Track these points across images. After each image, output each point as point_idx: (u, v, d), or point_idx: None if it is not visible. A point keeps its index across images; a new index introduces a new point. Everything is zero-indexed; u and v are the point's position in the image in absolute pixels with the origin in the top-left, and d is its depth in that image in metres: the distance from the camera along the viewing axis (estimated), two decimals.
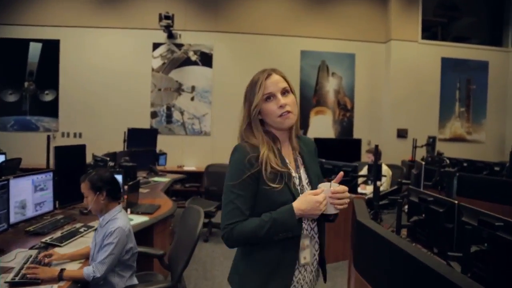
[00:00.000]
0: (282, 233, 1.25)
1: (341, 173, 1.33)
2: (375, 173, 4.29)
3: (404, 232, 2.46)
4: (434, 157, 6.22)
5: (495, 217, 1.64)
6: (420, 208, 2.25)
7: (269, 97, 1.34)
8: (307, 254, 1.35)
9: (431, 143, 6.32)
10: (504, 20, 8.51)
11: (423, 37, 7.90)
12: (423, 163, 2.69)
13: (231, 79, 7.18)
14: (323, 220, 1.41)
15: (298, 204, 1.25)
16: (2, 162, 4.79)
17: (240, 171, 1.30)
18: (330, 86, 7.72)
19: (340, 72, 7.74)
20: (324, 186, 1.29)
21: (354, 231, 2.47)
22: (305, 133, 7.43)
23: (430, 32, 8.18)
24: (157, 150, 6.27)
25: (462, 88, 8.11)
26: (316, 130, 7.55)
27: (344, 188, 1.28)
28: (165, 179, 5.19)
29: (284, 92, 1.35)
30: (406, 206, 2.83)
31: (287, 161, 1.39)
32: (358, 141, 7.15)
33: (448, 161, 3.62)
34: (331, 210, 1.29)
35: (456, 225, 1.93)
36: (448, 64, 7.98)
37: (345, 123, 7.79)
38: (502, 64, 8.32)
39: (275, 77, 1.36)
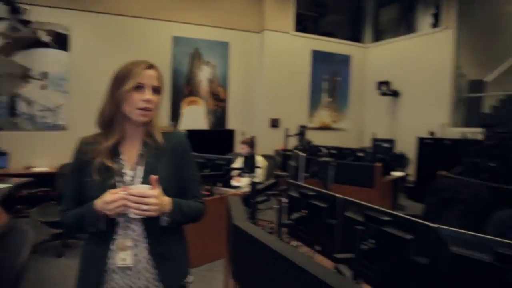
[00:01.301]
0: (88, 227, 1.28)
1: (153, 177, 1.26)
2: (249, 168, 4.12)
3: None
4: (305, 146, 6.39)
5: (380, 210, 1.52)
6: (301, 203, 2.06)
7: (140, 87, 1.33)
8: (127, 256, 1.30)
9: (302, 132, 6.46)
10: (362, 19, 9.29)
11: (295, 30, 8.11)
12: (304, 154, 2.54)
13: (93, 65, 6.29)
14: (158, 224, 1.33)
15: (98, 201, 1.25)
16: None
17: (73, 162, 1.39)
18: (204, 75, 7.37)
19: (214, 61, 7.45)
20: (134, 188, 1.24)
21: (229, 236, 2.17)
22: (176, 125, 6.98)
23: (302, 25, 8.44)
24: None
25: (329, 80, 8.60)
26: (189, 121, 7.14)
27: (142, 192, 1.23)
28: (2, 185, 4.21)
29: (155, 90, 1.36)
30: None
31: (123, 157, 1.37)
32: (232, 132, 6.99)
33: (326, 151, 3.61)
34: (131, 215, 1.25)
35: (341, 222, 1.78)
36: (317, 57, 8.37)
37: (219, 114, 7.55)
38: (361, 59, 9.07)
39: (153, 72, 1.36)
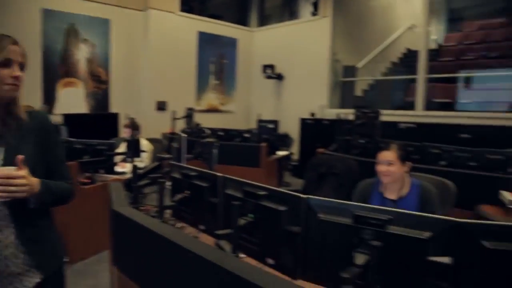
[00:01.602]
0: None
1: (20, 157, 1.19)
2: (133, 152, 3.95)
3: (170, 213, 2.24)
4: (193, 128, 6.35)
5: (258, 186, 1.58)
6: (184, 185, 2.05)
7: (7, 63, 1.26)
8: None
9: (189, 114, 6.40)
10: (248, 3, 9.45)
11: (181, 10, 7.89)
12: (185, 135, 2.51)
13: None
14: (25, 207, 1.26)
15: None
16: None
17: None
18: (81, 54, 6.75)
19: (93, 39, 6.85)
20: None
21: (111, 223, 2.07)
22: (51, 109, 6.32)
23: (188, 6, 8.24)
24: None
25: (216, 62, 8.61)
26: (66, 105, 6.50)
27: (7, 173, 1.16)
28: None
29: (21, 67, 1.31)
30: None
31: None
32: (115, 116, 6.61)
33: (209, 132, 3.61)
34: None
35: (222, 199, 1.81)
36: (204, 39, 8.29)
37: (100, 97, 7.03)
38: (248, 42, 9.27)
39: (17, 48, 1.30)
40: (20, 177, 1.17)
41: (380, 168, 2.15)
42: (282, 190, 1.52)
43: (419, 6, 7.01)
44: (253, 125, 8.33)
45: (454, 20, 10.24)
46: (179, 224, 2.21)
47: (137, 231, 1.90)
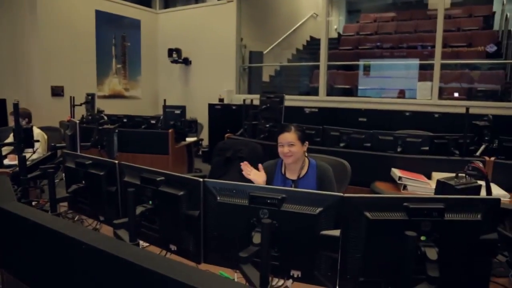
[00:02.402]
0: None
1: None
2: (24, 142, 3.57)
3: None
4: (94, 116, 5.96)
5: (156, 172, 1.54)
6: (79, 174, 1.91)
7: None
8: None
9: (90, 100, 5.99)
10: None
11: None
12: (77, 121, 2.33)
13: None
14: None
15: None
16: None
17: None
18: None
19: None
20: None
21: None
22: None
23: None
24: None
25: (118, 45, 8.12)
26: None
27: None
28: None
29: None
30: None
31: None
32: (3, 102, 5.94)
33: (106, 118, 3.41)
34: None
35: (119, 188, 1.73)
36: (103, 18, 7.71)
37: None
38: (152, 25, 8.88)
39: None
40: None
41: (283, 149, 2.22)
42: (180, 175, 1.50)
43: None
44: (160, 111, 8.09)
45: (352, 11, 10.98)
46: (77, 216, 2.07)
47: (26, 228, 1.74)
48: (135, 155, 4.59)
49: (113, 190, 1.77)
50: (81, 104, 5.98)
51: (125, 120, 5.29)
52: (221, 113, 7.05)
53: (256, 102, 4.57)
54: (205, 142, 7.21)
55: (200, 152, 7.06)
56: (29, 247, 1.76)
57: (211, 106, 7.18)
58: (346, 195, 1.25)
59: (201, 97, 7.85)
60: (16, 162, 3.75)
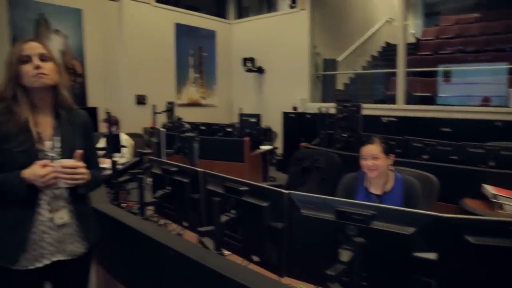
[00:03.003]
0: (11, 195, 1.38)
1: (79, 151, 1.44)
2: (113, 148, 3.83)
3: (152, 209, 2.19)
4: (174, 123, 6.25)
5: (239, 181, 1.55)
6: (164, 180, 2.00)
7: (26, 60, 1.43)
8: (64, 214, 1.48)
9: (170, 108, 6.31)
10: None
11: (157, 1, 7.74)
12: (164, 130, 2.45)
13: None
14: (74, 189, 1.49)
15: (27, 172, 1.36)
16: None
17: None
18: (54, 46, 6.49)
19: (65, 30, 6.62)
20: (61, 162, 1.40)
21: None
22: None
23: None
24: None
25: (195, 55, 8.50)
26: None
27: (74, 164, 1.42)
28: None
29: (42, 58, 1.45)
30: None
31: (40, 128, 1.47)
32: (94, 110, 6.44)
33: (188, 126, 3.55)
34: (61, 184, 1.41)
35: (204, 195, 1.77)
36: (181, 31, 8.14)
37: (77, 90, 6.81)
38: (227, 35, 9.15)
39: (34, 43, 1.47)
40: (82, 168, 1.44)
41: (366, 163, 2.13)
42: (264, 185, 1.49)
43: (396, 0, 7.05)
44: (235, 119, 8.27)
45: (430, 14, 10.40)
46: (162, 221, 2.16)
47: (119, 229, 1.85)
48: (212, 161, 4.71)
49: (197, 197, 1.82)
50: (162, 112, 6.32)
51: (202, 127, 5.47)
52: (295, 122, 7.02)
53: (332, 110, 4.48)
54: (279, 151, 7.22)
55: (275, 161, 7.08)
56: (121, 247, 1.87)
57: (285, 115, 7.18)
58: (443, 215, 1.15)
59: (275, 105, 7.91)
60: (105, 166, 4.06)
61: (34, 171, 1.36)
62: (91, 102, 6.92)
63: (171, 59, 8.05)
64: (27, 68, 1.43)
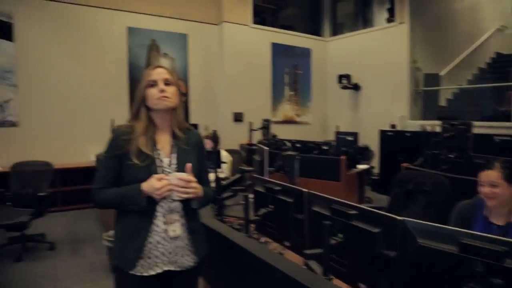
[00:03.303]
0: (131, 205, 1.51)
1: (189, 165, 1.53)
2: (215, 163, 4.02)
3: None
4: (270, 140, 6.37)
5: (347, 204, 1.50)
6: (267, 198, 2.03)
7: (153, 84, 1.59)
8: (177, 227, 1.57)
9: (266, 126, 6.45)
10: (323, 13, 9.37)
11: (254, 22, 8.05)
12: (267, 148, 2.50)
13: (42, 57, 5.95)
14: (187, 204, 1.58)
15: (145, 185, 1.49)
16: None
17: (110, 148, 1.57)
18: None
19: (172, 53, 7.26)
20: (176, 174, 1.50)
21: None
22: None
23: (260, 18, 8.40)
24: None
25: (290, 73, 8.63)
26: None
27: (187, 177, 1.50)
28: None
29: (167, 83, 1.60)
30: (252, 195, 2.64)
31: (159, 146, 1.61)
32: (195, 127, 6.85)
33: (289, 145, 3.58)
34: (174, 197, 1.51)
35: (308, 216, 1.76)
36: (277, 49, 8.36)
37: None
38: (321, 52, 9.16)
39: (161, 69, 1.63)
40: (195, 182, 1.52)
41: (483, 189, 1.92)
42: (374, 210, 1.42)
43: (509, 6, 6.40)
44: (329, 136, 8.18)
45: None
46: (263, 239, 2.19)
47: (224, 245, 1.91)
48: (307, 179, 4.67)
49: (301, 217, 1.81)
50: (258, 129, 6.49)
51: (298, 145, 5.48)
52: (393, 140, 6.68)
53: (436, 128, 4.17)
54: (376, 170, 6.94)
55: (371, 181, 6.80)
56: (225, 262, 1.93)
57: (382, 133, 6.89)
58: None
59: (371, 123, 7.65)
60: None
61: (151, 184, 1.47)
62: (193, 119, 7.39)
63: (267, 77, 8.28)
64: (153, 91, 1.57)
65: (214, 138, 4.70)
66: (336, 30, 9.41)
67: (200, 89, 7.61)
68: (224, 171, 4.32)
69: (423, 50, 7.83)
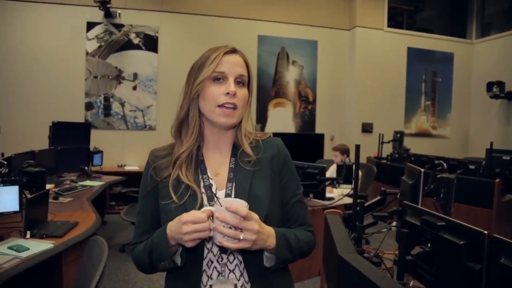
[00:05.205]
0: (159, 263, 0.96)
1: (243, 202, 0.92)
2: (345, 178, 3.68)
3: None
4: (401, 154, 5.77)
5: (437, 216, 1.53)
6: (424, 234, 1.62)
7: (219, 77, 1.02)
8: None
9: (398, 138, 5.87)
10: (468, 12, 8.26)
11: (389, 26, 7.46)
12: (422, 170, 2.08)
13: (180, 66, 6.27)
14: (260, 263, 1.00)
15: (171, 225, 0.93)
16: None
17: (144, 183, 1.09)
18: (291, 75, 7.07)
19: (301, 61, 7.11)
20: (226, 202, 0.90)
21: (332, 267, 1.80)
22: (263, 128, 6.75)
23: (395, 20, 7.77)
24: (91, 148, 5.35)
25: (428, 80, 7.77)
26: (275, 124, 6.89)
27: (244, 212, 0.86)
28: (97, 183, 4.31)
29: (240, 81, 1.05)
30: (394, 223, 2.24)
31: (210, 172, 1.06)
32: (321, 136, 6.59)
33: (445, 165, 3.06)
34: (216, 241, 0.88)
35: (489, 268, 1.31)
36: (414, 55, 7.61)
37: (307, 117, 7.17)
38: (466, 57, 8.06)
39: (236, 57, 1.06)
40: (254, 220, 0.89)
41: None
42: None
43: None
44: (471, 153, 7.17)
45: None
46: (412, 282, 1.79)
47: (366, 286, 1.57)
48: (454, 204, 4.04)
49: (476, 268, 1.37)
50: (389, 142, 5.95)
51: (436, 162, 4.80)
52: None
53: None
54: None
55: None
56: None
57: None
58: None
59: None
60: (332, 195, 3.93)
61: (177, 224, 0.91)
62: (318, 128, 7.13)
63: (402, 85, 7.59)
64: (216, 90, 1.02)
65: (345, 151, 4.40)
66: (484, 31, 8.19)
67: (328, 97, 7.31)
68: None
69: None
